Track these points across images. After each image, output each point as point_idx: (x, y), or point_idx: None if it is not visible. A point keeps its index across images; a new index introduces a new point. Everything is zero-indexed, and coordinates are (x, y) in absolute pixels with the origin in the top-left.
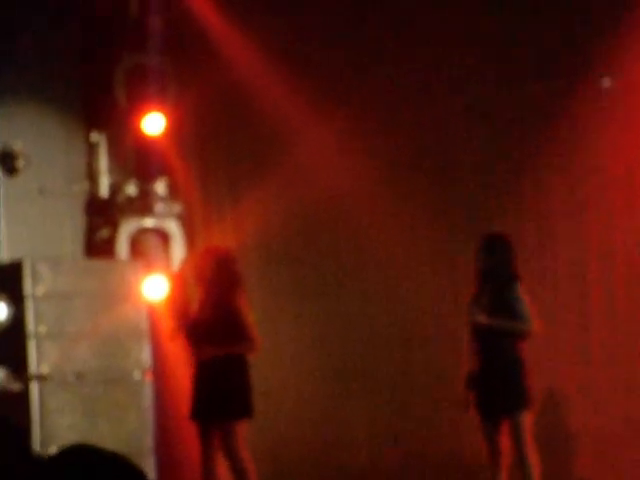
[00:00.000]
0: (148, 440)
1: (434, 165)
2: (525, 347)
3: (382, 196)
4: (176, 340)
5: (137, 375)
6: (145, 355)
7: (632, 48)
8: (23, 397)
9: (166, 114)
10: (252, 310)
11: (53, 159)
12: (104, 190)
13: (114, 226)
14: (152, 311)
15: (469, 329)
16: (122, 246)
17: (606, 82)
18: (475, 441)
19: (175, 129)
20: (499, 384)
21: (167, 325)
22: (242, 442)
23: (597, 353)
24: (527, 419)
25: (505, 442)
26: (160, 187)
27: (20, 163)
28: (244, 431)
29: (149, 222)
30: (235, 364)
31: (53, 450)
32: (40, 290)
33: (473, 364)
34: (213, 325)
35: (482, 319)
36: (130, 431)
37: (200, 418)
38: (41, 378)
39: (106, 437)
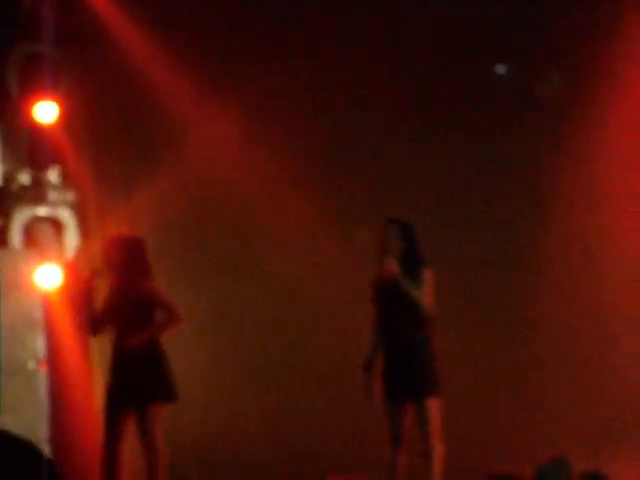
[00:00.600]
0: (43, 430)
1: (329, 152)
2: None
3: (275, 184)
4: (98, 335)
5: (31, 365)
6: (39, 345)
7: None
8: None
9: (59, 102)
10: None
11: None
12: None
13: (7, 215)
14: (46, 300)
15: (374, 310)
16: (15, 235)
17: (500, 69)
18: (377, 427)
19: (68, 117)
20: (406, 368)
21: (66, 316)
22: (159, 427)
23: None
24: (436, 405)
25: (408, 428)
26: (53, 176)
27: None
28: (162, 416)
29: (42, 211)
30: (153, 348)
31: None
32: None
33: (375, 348)
34: (131, 311)
35: (393, 267)
36: (25, 421)
37: (119, 404)
38: None
39: (1, 426)
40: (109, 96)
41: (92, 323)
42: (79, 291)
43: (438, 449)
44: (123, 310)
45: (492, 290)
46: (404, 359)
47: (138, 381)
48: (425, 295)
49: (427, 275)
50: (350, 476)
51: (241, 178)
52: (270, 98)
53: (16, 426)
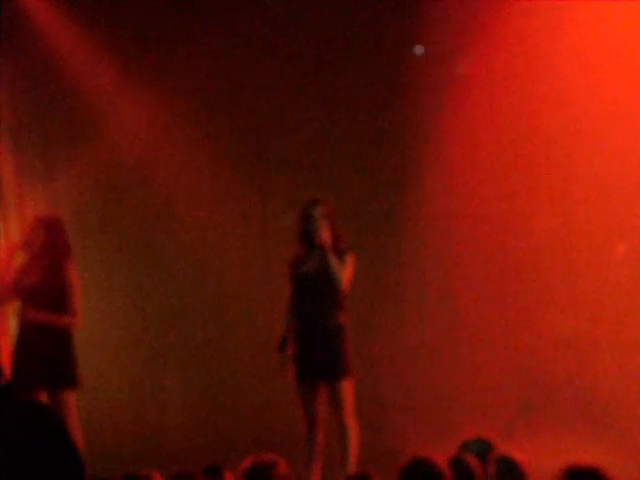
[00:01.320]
0: None
1: (245, 132)
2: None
3: (193, 166)
4: (2, 306)
5: None
6: None
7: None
8: None
9: None
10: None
11: None
12: None
13: None
14: None
15: (290, 291)
16: None
17: (418, 50)
18: (291, 411)
19: None
20: (320, 350)
21: None
22: (71, 411)
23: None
24: (349, 387)
25: (322, 410)
26: None
27: None
28: (73, 401)
29: None
30: (58, 332)
31: None
32: None
33: (289, 328)
34: (40, 290)
35: (325, 237)
36: None
37: (22, 385)
38: None
39: None
40: (28, 79)
41: (2, 294)
42: None
43: (353, 428)
44: (35, 287)
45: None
46: (317, 341)
47: (39, 363)
48: (347, 277)
49: (349, 259)
50: (267, 457)
51: (159, 161)
52: (189, 80)
53: None
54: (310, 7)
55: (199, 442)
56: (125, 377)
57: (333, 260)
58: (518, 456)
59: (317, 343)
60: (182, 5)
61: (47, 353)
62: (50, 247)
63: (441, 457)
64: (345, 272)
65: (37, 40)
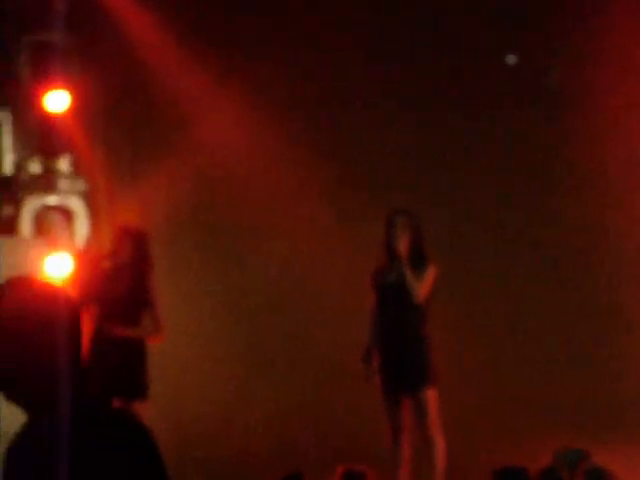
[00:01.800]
0: None
1: (336, 140)
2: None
3: (283, 167)
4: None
5: None
6: None
7: None
8: None
9: (70, 91)
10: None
11: None
12: (7, 167)
13: (17, 203)
14: None
15: (375, 300)
16: (25, 224)
17: (511, 59)
18: (376, 419)
19: (79, 106)
20: (403, 359)
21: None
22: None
23: None
24: (433, 395)
25: (408, 419)
26: (64, 164)
27: None
28: (143, 411)
29: (53, 200)
30: (135, 344)
31: None
32: None
33: (374, 339)
34: (124, 303)
35: (403, 247)
36: None
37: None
38: None
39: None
40: (120, 84)
41: (82, 299)
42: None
43: (438, 441)
44: (118, 302)
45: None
46: (400, 351)
47: (113, 374)
48: (423, 287)
49: (430, 270)
50: (358, 467)
51: (248, 165)
52: (280, 85)
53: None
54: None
55: (287, 448)
56: (213, 382)
57: (408, 271)
58: (611, 467)
59: (399, 353)
60: (271, 6)
61: (122, 364)
62: (136, 259)
63: (533, 464)
64: (423, 283)
65: (127, 44)
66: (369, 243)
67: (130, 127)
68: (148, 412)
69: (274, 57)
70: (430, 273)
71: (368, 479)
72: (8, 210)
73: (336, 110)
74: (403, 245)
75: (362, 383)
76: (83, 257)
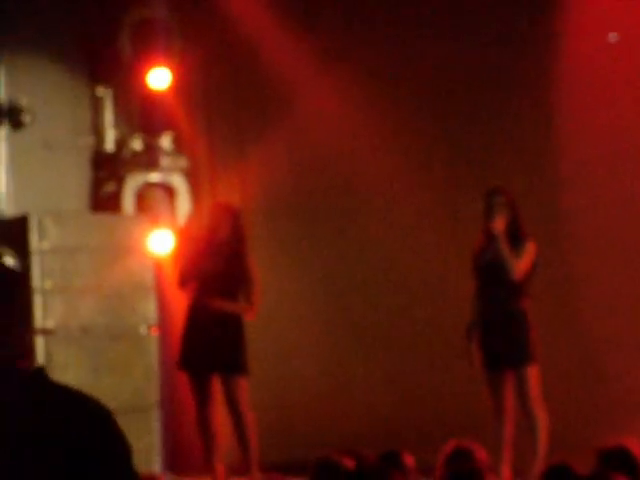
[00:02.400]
0: (154, 395)
1: (434, 119)
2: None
3: (386, 147)
4: (184, 288)
5: (143, 330)
6: (151, 310)
7: None
8: None
9: (172, 68)
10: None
11: (59, 113)
12: (110, 144)
13: (120, 180)
14: (158, 266)
15: (475, 279)
16: (128, 201)
17: (613, 38)
18: (481, 396)
19: (181, 83)
20: (504, 336)
21: (176, 273)
22: (244, 397)
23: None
24: (534, 373)
25: (510, 397)
26: (166, 141)
27: (26, 117)
28: (245, 386)
29: (154, 177)
30: (233, 320)
31: None
32: (46, 245)
33: (475, 315)
34: (222, 279)
35: (499, 226)
36: (136, 386)
37: (194, 368)
38: (47, 332)
39: (111, 392)
40: (222, 61)
41: (183, 276)
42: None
43: (541, 417)
44: (217, 277)
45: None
46: (500, 328)
47: (212, 349)
48: (522, 264)
49: (529, 247)
50: (469, 443)
51: (351, 145)
52: (383, 65)
53: (127, 390)
54: None
55: (385, 426)
56: (311, 362)
57: (504, 249)
58: None
59: (500, 330)
60: None
61: (222, 339)
62: (235, 237)
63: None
64: (521, 260)
65: (229, 21)
66: (468, 223)
67: (232, 104)
68: (248, 390)
69: (381, 40)
70: (528, 250)
71: (479, 454)
72: (110, 187)
73: (442, 94)
74: (500, 223)
75: (462, 362)
76: (184, 234)
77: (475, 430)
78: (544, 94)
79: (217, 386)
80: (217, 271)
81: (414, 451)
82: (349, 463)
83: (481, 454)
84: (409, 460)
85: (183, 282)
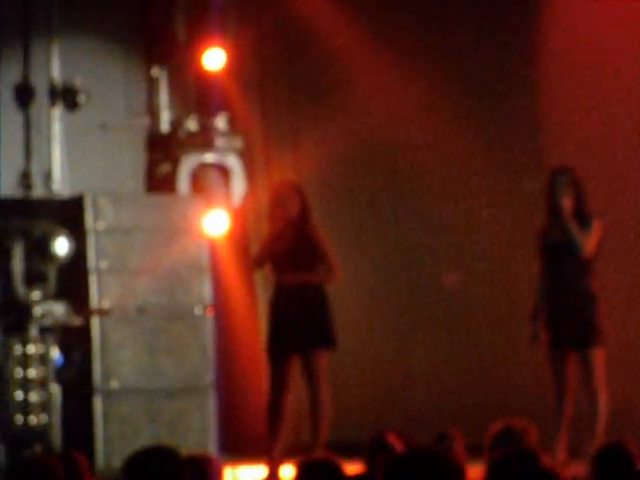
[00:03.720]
0: (209, 375)
1: (496, 100)
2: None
3: (440, 127)
4: (259, 269)
5: (198, 310)
6: (206, 290)
7: None
8: (84, 332)
9: (227, 49)
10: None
11: (114, 94)
12: (165, 125)
13: (175, 161)
14: (213, 246)
15: (539, 259)
16: (183, 181)
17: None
18: (541, 376)
19: (236, 64)
20: (572, 317)
21: (232, 262)
22: (325, 371)
23: None
24: (600, 355)
25: (573, 377)
26: (221, 122)
27: (81, 98)
28: (326, 361)
29: (209, 157)
30: (317, 294)
31: (115, 385)
32: (101, 225)
33: (541, 295)
34: (297, 254)
35: (567, 207)
36: (191, 366)
37: (279, 347)
38: (102, 313)
39: (167, 372)
40: (276, 42)
41: (260, 257)
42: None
43: (602, 398)
44: (292, 253)
45: None
46: (568, 308)
47: (302, 325)
48: (590, 242)
49: (596, 225)
50: (519, 422)
51: (408, 126)
52: (440, 48)
53: (182, 371)
54: None
55: (443, 406)
56: (371, 339)
57: (573, 228)
58: None
59: (568, 311)
60: None
61: (308, 315)
62: (303, 211)
63: None
64: (589, 239)
65: (285, 2)
66: (526, 202)
67: (287, 84)
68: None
69: (437, 22)
70: (596, 228)
71: (529, 435)
72: (165, 168)
73: (497, 77)
74: (567, 203)
75: (522, 342)
76: (239, 216)
77: (533, 411)
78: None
79: (295, 368)
80: (292, 248)
81: (473, 432)
82: (398, 445)
83: (532, 433)
84: (459, 442)
85: (259, 263)
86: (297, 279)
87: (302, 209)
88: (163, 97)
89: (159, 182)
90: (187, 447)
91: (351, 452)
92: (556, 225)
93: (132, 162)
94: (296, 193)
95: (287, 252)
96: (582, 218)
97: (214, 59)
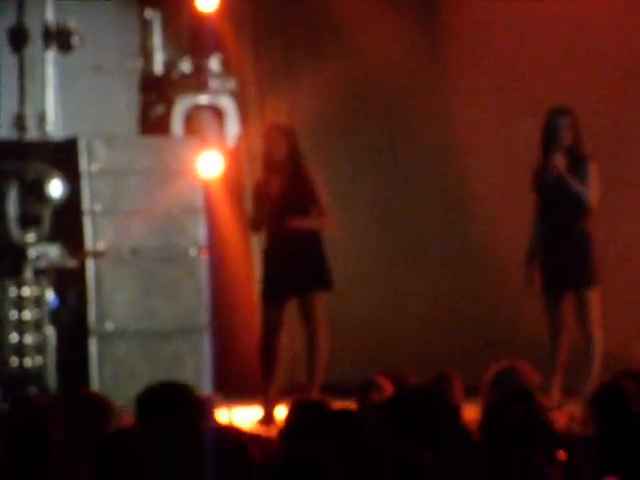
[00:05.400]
0: (203, 317)
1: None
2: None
3: (436, 68)
4: (258, 232)
5: (193, 252)
6: (201, 232)
7: None
8: (79, 274)
9: None
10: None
11: (107, 36)
12: (158, 67)
13: (168, 103)
14: (207, 188)
15: (535, 200)
16: (177, 123)
17: None
18: (538, 319)
19: (229, 5)
20: (567, 258)
21: (226, 204)
22: (322, 312)
23: None
24: (595, 295)
25: (568, 317)
26: (214, 63)
27: (74, 40)
28: (323, 303)
29: (203, 99)
30: (311, 237)
31: (110, 326)
32: (95, 167)
33: (536, 237)
34: (289, 199)
35: (559, 163)
36: (185, 308)
37: (276, 291)
38: (97, 255)
39: (161, 313)
40: None
41: (257, 220)
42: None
43: (597, 337)
44: (281, 197)
45: None
46: (563, 249)
47: (298, 269)
48: (589, 188)
49: (592, 168)
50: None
51: (400, 70)
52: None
53: (176, 312)
54: None
55: (438, 348)
56: (367, 283)
57: (572, 183)
58: None
59: (563, 251)
60: None
61: (303, 260)
62: (292, 155)
63: None
64: (590, 188)
65: None
66: (522, 141)
67: (281, 26)
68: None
69: None
70: (593, 172)
71: (528, 375)
72: (159, 110)
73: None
74: (560, 161)
75: (517, 284)
76: (233, 156)
77: (529, 353)
78: None
79: (290, 311)
80: (282, 193)
81: (468, 374)
82: (388, 387)
83: (531, 375)
84: (457, 382)
85: (257, 226)
86: (292, 226)
87: (289, 152)
88: (156, 39)
89: (153, 124)
90: None
91: (345, 394)
92: (550, 164)
93: (126, 104)
94: (282, 136)
95: (279, 199)
96: (577, 160)
97: (207, 1)
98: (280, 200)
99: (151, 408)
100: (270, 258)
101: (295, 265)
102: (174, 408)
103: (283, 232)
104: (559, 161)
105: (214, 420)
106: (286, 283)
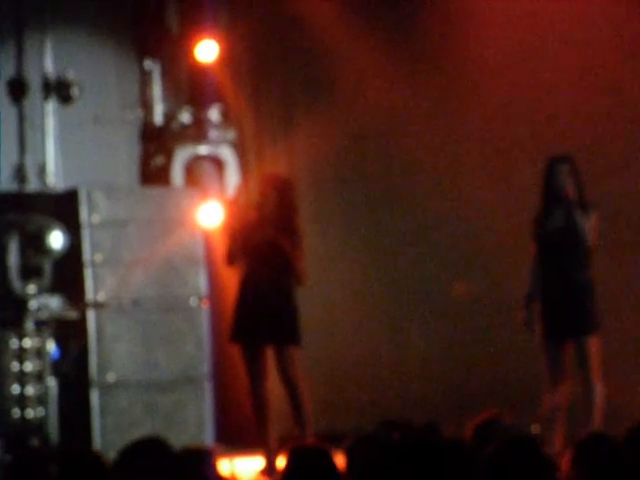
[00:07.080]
0: (204, 367)
1: (486, 90)
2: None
3: (434, 121)
4: (233, 265)
5: (194, 302)
6: (201, 282)
7: None
8: (80, 325)
9: (219, 41)
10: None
11: (107, 87)
12: (158, 117)
13: (168, 153)
14: (208, 238)
15: (536, 245)
16: (177, 173)
17: None
18: (536, 365)
19: (228, 56)
20: (568, 305)
21: (223, 251)
22: (297, 367)
23: None
24: (595, 343)
25: (568, 366)
26: (214, 114)
27: (74, 91)
28: (298, 355)
29: (203, 149)
30: (286, 290)
31: (111, 377)
32: (96, 218)
33: (535, 283)
34: (271, 249)
35: (571, 194)
36: (187, 358)
37: (248, 340)
38: (98, 305)
39: (162, 363)
40: (269, 34)
41: (231, 253)
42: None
43: (598, 389)
44: (263, 246)
45: None
46: (564, 297)
47: (269, 319)
48: (592, 232)
49: (594, 216)
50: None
51: (400, 115)
52: (430, 40)
53: (177, 363)
54: None
55: (437, 395)
56: (364, 325)
57: (578, 215)
58: None
59: (564, 299)
60: None
61: (275, 310)
62: (282, 208)
63: None
64: (590, 227)
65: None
66: (520, 188)
67: (280, 76)
68: (301, 357)
69: (428, 18)
70: (595, 218)
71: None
72: (159, 160)
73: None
74: (572, 191)
75: (517, 331)
76: (233, 206)
77: (529, 400)
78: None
79: (269, 358)
80: (265, 243)
81: (467, 421)
82: (394, 435)
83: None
84: (448, 431)
85: (231, 260)
86: (270, 235)
87: (280, 204)
88: (156, 89)
89: (153, 174)
90: (184, 439)
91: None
92: (555, 212)
93: (126, 155)
94: (274, 187)
95: (261, 247)
96: (583, 207)
97: (207, 51)
98: (262, 250)
99: (130, 465)
100: (241, 302)
101: (264, 316)
102: (151, 466)
103: (258, 281)
104: (571, 191)
105: (217, 472)
106: (255, 330)
